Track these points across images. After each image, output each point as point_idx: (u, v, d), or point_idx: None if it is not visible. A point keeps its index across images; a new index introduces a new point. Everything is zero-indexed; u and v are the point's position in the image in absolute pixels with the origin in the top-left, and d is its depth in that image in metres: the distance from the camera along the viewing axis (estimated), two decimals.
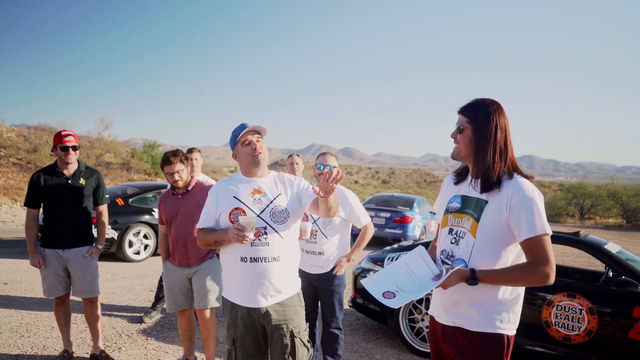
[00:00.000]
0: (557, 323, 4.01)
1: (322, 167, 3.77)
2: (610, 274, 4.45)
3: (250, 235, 2.37)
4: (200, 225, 2.65)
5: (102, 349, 4.08)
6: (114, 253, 8.41)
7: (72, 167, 3.88)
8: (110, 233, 8.16)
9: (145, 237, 8.70)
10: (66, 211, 3.79)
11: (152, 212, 8.81)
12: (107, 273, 7.36)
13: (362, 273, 5.28)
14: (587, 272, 5.48)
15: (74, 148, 3.82)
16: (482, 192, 2.03)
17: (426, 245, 2.58)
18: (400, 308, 4.79)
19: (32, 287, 6.24)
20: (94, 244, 3.97)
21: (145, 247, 8.73)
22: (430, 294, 4.65)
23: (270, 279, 2.47)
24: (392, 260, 5.04)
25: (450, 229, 2.16)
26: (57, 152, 3.81)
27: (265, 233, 2.48)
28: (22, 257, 8.20)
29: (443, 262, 2.15)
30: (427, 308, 4.72)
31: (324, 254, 3.73)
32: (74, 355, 4.08)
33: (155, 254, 8.94)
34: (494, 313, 2.02)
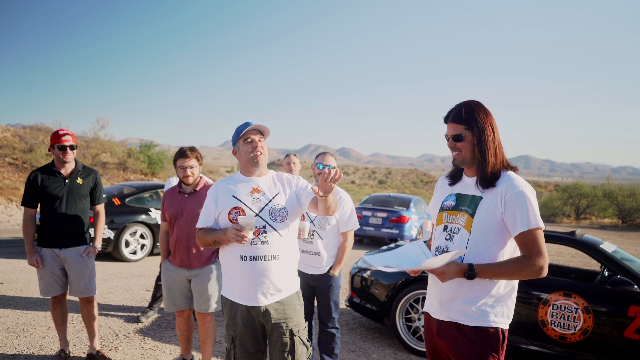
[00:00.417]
0: (553, 322, 4.03)
1: (321, 166, 3.78)
2: (606, 273, 4.48)
3: (250, 235, 2.38)
4: (199, 224, 2.65)
5: (99, 348, 4.07)
6: (111, 253, 8.40)
7: (70, 167, 3.87)
8: (107, 233, 8.14)
9: (141, 236, 8.69)
10: (63, 210, 3.78)
11: (149, 212, 8.80)
12: (104, 273, 7.34)
13: (359, 272, 5.29)
14: (583, 271, 5.51)
15: (72, 147, 3.81)
16: (483, 189, 2.08)
17: None
18: (397, 308, 4.81)
19: (28, 286, 6.22)
20: (91, 244, 3.96)
21: (142, 246, 8.71)
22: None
23: (270, 277, 2.48)
24: None
25: (445, 226, 2.20)
26: (54, 152, 3.81)
27: (265, 232, 2.49)
28: (18, 256, 8.17)
29: None
30: (423, 307, 4.73)
31: (320, 254, 3.75)
32: (71, 354, 4.07)
33: (152, 253, 8.93)
34: (488, 307, 2.07)
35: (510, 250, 2.09)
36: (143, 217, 8.70)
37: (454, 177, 2.27)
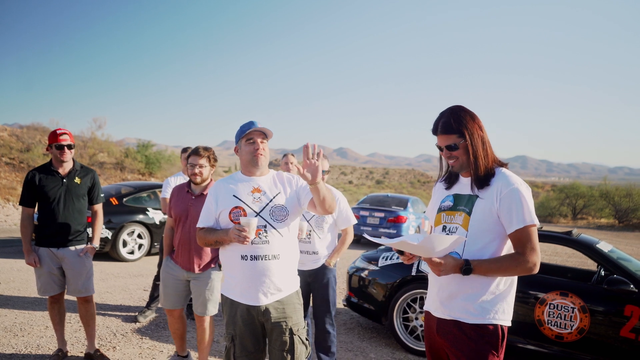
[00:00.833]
0: (549, 321, 4.05)
1: None
2: (602, 272, 4.50)
3: (252, 236, 2.39)
4: (200, 224, 2.66)
5: (97, 348, 4.07)
6: (108, 252, 8.39)
7: (67, 166, 3.87)
8: (105, 232, 8.14)
9: (139, 236, 8.68)
10: (61, 210, 3.78)
11: (147, 212, 8.79)
12: (101, 272, 7.34)
13: (356, 272, 5.30)
14: (580, 271, 5.53)
15: (69, 147, 3.81)
16: (478, 188, 2.12)
17: None
18: (394, 307, 4.82)
19: (25, 286, 6.21)
20: (88, 243, 3.96)
21: (140, 246, 8.70)
22: (425, 293, 4.68)
23: (271, 276, 2.49)
24: (386, 259, 5.07)
25: (444, 226, 2.23)
26: (52, 151, 3.80)
27: (265, 231, 2.50)
28: (15, 256, 8.15)
29: None
30: (421, 307, 4.74)
31: (318, 253, 3.80)
32: (68, 354, 4.07)
33: (149, 253, 8.92)
34: (488, 305, 2.09)
35: (508, 247, 2.12)
36: (141, 216, 8.69)
37: (450, 180, 2.31)
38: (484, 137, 2.15)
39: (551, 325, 4.04)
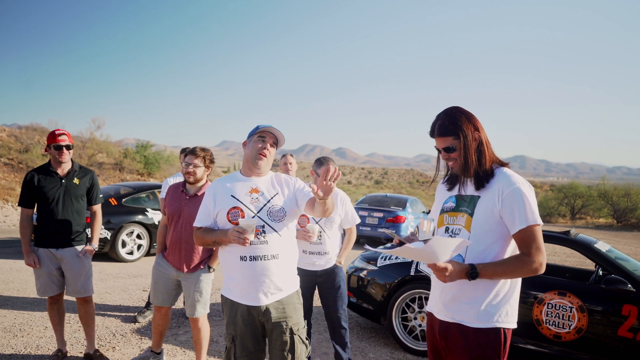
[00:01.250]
0: (547, 321, 4.06)
1: None
2: (600, 272, 4.51)
3: (251, 238, 2.39)
4: (197, 224, 2.66)
5: (96, 348, 4.08)
6: (107, 253, 8.39)
7: (66, 167, 3.88)
8: (104, 233, 8.14)
9: (138, 237, 8.68)
10: (60, 211, 3.79)
11: (146, 212, 8.80)
12: (101, 273, 7.34)
13: (355, 272, 5.32)
14: (578, 270, 5.55)
15: (68, 147, 3.82)
16: (477, 188, 2.11)
17: None
18: (393, 307, 4.83)
19: (25, 287, 6.22)
20: (87, 244, 3.97)
21: (139, 247, 8.71)
22: (423, 293, 4.69)
23: (270, 276, 2.50)
24: (385, 259, 5.08)
25: (446, 227, 2.21)
26: (50, 152, 3.81)
27: (264, 232, 2.50)
28: (14, 257, 8.15)
29: None
30: (420, 307, 4.76)
31: (329, 253, 3.86)
32: (68, 354, 4.08)
33: (148, 253, 8.92)
34: (492, 308, 2.05)
35: (512, 248, 2.09)
36: (140, 217, 8.69)
37: (451, 180, 2.29)
38: (481, 137, 2.13)
39: (549, 324, 4.05)
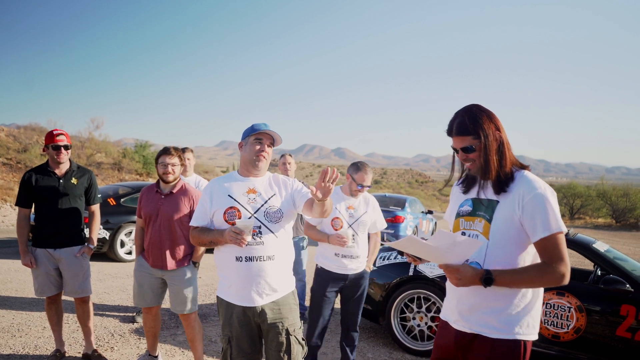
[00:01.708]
0: (546, 321, 4.06)
1: (361, 187, 3.74)
2: (599, 272, 4.52)
3: (248, 239, 2.39)
4: (194, 223, 2.65)
5: (95, 348, 4.07)
6: (106, 253, 8.38)
7: (64, 167, 3.87)
8: (102, 233, 8.13)
9: None
10: (58, 211, 3.78)
11: None
12: (99, 273, 7.33)
13: None
14: (576, 270, 5.55)
15: (66, 147, 3.81)
16: (497, 193, 2.00)
17: None
18: (392, 307, 4.83)
19: (23, 287, 6.21)
20: (85, 244, 3.96)
21: None
22: (422, 293, 4.69)
23: (266, 277, 2.49)
24: (384, 259, 5.08)
25: (462, 232, 2.11)
26: (48, 152, 3.80)
27: (260, 232, 2.49)
28: (12, 257, 8.14)
29: None
30: (418, 307, 4.75)
31: (360, 257, 3.83)
32: (66, 354, 4.07)
33: None
34: (513, 319, 1.96)
35: (532, 256, 1.98)
36: None
37: (467, 183, 2.19)
38: (502, 138, 2.01)
39: (548, 324, 4.05)
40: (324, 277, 3.79)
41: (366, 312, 5.11)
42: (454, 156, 2.15)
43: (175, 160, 3.69)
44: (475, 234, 2.04)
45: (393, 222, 12.16)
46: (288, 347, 2.53)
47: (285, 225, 2.60)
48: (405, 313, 4.84)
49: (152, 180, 21.10)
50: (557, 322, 4.02)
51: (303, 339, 2.63)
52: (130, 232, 8.56)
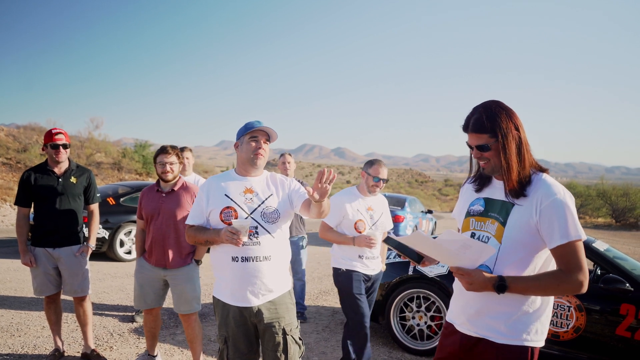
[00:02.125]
0: None
1: (377, 180, 3.72)
2: (599, 271, 4.51)
3: (245, 239, 2.37)
4: (190, 221, 2.63)
5: (94, 347, 4.07)
6: (105, 252, 8.37)
7: (63, 166, 3.86)
8: (102, 232, 8.12)
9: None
10: (57, 210, 3.77)
11: None
12: (99, 272, 7.33)
13: None
14: None
15: (65, 146, 3.81)
16: (514, 197, 1.91)
17: None
18: (391, 306, 4.83)
19: (22, 286, 6.20)
20: (84, 243, 3.95)
21: None
22: (421, 292, 4.69)
23: (262, 278, 2.47)
24: None
25: (473, 233, 2.03)
26: (47, 151, 3.80)
27: (257, 233, 2.47)
28: (11, 256, 8.14)
29: None
30: (418, 306, 4.75)
31: (379, 257, 3.90)
32: (65, 354, 4.06)
33: None
34: (521, 325, 1.90)
35: (548, 263, 1.92)
36: None
37: (481, 181, 2.09)
38: (521, 138, 1.91)
39: None
40: (355, 277, 3.71)
41: None
42: (471, 154, 2.05)
43: (172, 158, 3.68)
44: (486, 236, 1.96)
45: (393, 221, 12.18)
46: (285, 347, 2.51)
47: (282, 226, 2.58)
48: (405, 312, 4.84)
49: (151, 180, 21.10)
50: (556, 321, 4.02)
51: (300, 339, 2.61)
52: (130, 232, 8.56)
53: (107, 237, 8.21)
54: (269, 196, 2.57)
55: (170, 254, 3.61)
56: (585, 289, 1.80)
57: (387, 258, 5.04)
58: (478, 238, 1.98)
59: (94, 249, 3.98)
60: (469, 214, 2.09)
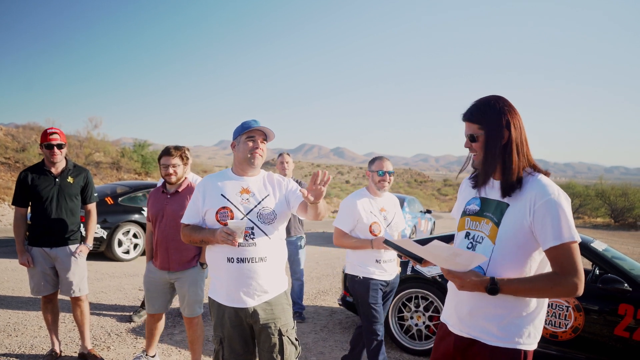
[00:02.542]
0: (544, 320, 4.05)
1: (382, 173, 3.62)
2: (597, 271, 4.50)
3: (240, 240, 2.34)
4: (185, 220, 2.61)
5: (91, 348, 4.05)
6: (103, 252, 8.36)
7: (60, 166, 3.85)
8: (100, 232, 8.11)
9: (134, 236, 8.65)
10: (54, 210, 3.76)
11: (142, 211, 8.76)
12: (96, 272, 7.32)
13: None
14: None
15: (59, 146, 3.78)
16: (503, 195, 1.90)
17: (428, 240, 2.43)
18: (389, 307, 4.82)
19: (19, 286, 6.19)
20: (82, 243, 3.94)
21: (135, 246, 8.68)
22: (420, 292, 4.68)
23: (257, 279, 2.45)
24: None
25: (467, 232, 2.01)
26: (43, 151, 3.79)
27: (253, 234, 2.45)
28: (9, 256, 8.12)
29: None
30: (416, 306, 4.74)
31: (395, 260, 3.75)
32: (62, 354, 4.05)
33: (144, 253, 8.89)
34: (514, 327, 1.87)
35: (538, 263, 1.88)
36: (136, 216, 8.66)
37: (478, 178, 2.06)
38: (512, 137, 1.87)
39: (545, 324, 4.04)
40: (372, 287, 3.57)
41: None
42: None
43: (175, 160, 3.64)
44: (480, 236, 1.95)
45: None
46: (281, 348, 2.50)
47: (278, 227, 2.56)
48: (403, 312, 4.83)
49: (151, 180, 21.08)
50: (555, 322, 4.01)
51: (296, 339, 2.60)
52: (128, 232, 8.54)
53: (105, 236, 8.19)
54: (265, 197, 2.55)
55: (173, 256, 3.57)
56: (580, 292, 1.76)
57: None
58: (473, 237, 1.97)
59: (91, 248, 3.97)
60: (464, 213, 2.07)
